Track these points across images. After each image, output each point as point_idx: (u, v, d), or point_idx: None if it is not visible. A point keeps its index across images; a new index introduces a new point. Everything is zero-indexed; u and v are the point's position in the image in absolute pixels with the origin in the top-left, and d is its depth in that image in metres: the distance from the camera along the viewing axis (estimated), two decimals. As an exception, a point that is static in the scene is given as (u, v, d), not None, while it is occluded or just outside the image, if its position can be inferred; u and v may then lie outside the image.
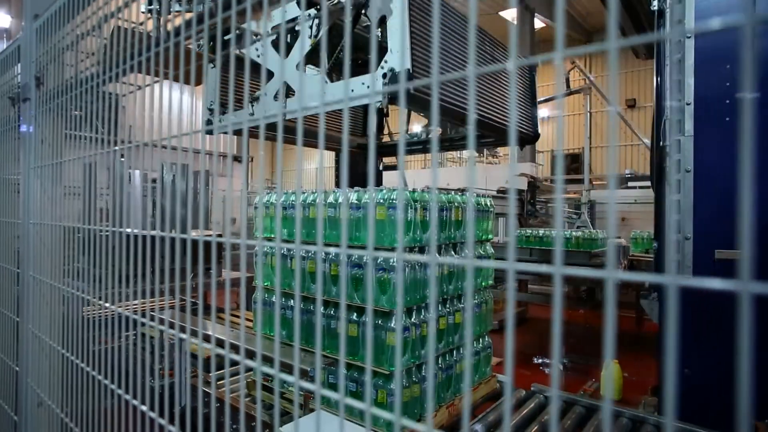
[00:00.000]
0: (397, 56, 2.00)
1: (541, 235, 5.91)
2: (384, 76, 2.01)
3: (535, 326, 6.71)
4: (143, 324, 1.23)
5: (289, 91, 2.54)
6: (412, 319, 2.24)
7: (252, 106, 2.58)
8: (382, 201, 2.19)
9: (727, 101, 2.54)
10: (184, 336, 1.14)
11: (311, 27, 2.37)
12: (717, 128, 2.57)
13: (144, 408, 1.06)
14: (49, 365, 1.45)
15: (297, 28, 2.45)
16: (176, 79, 1.09)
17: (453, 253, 2.55)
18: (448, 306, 2.52)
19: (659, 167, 2.78)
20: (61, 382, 1.40)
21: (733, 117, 2.53)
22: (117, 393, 1.19)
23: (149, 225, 1.53)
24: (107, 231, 1.28)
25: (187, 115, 1.16)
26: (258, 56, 2.47)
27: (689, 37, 2.65)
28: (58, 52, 1.42)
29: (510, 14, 13.00)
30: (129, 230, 1.26)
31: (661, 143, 2.73)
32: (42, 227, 1.50)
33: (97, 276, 1.38)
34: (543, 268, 0.53)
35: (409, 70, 2.01)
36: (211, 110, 2.72)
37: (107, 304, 1.20)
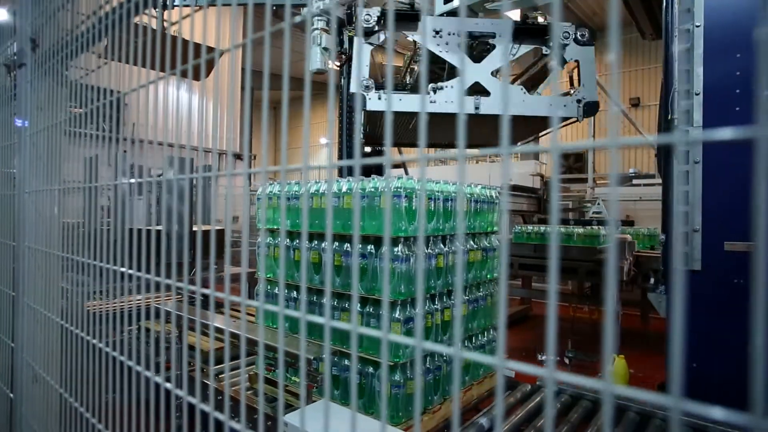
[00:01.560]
0: (589, 90, 2.93)
1: (542, 231, 5.89)
2: (578, 101, 3.00)
3: (539, 323, 6.67)
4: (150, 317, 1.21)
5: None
6: (417, 310, 2.21)
7: (433, 92, 3.03)
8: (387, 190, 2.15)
9: (738, 91, 2.50)
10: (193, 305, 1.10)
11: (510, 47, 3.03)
12: (727, 118, 2.53)
13: (165, 383, 1.03)
14: (45, 338, 1.42)
15: (491, 41, 3.06)
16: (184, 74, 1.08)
17: (458, 243, 2.51)
18: (452, 298, 2.49)
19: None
20: (60, 354, 1.38)
21: (743, 107, 2.49)
22: (122, 362, 1.16)
23: (152, 220, 1.52)
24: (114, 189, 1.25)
25: (186, 113, 1.13)
26: (440, 51, 3.05)
27: (698, 26, 2.61)
28: (53, 11, 1.39)
29: (515, 14, 12.96)
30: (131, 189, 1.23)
31: (669, 116, 2.69)
32: (37, 195, 1.47)
33: (99, 270, 1.36)
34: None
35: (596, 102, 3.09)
36: (367, 86, 2.97)
37: (149, 276, 1.16)
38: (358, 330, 0.66)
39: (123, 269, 1.14)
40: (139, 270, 1.16)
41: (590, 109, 3.20)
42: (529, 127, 4.18)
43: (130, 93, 1.10)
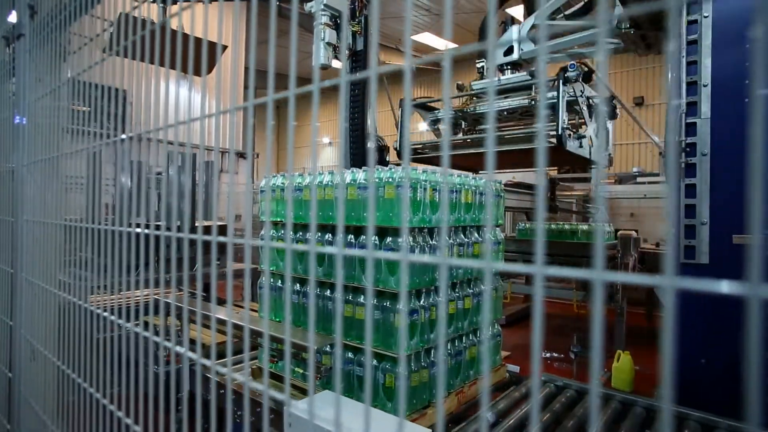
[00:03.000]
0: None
1: (546, 228, 5.87)
2: (609, 154, 4.51)
3: (542, 321, 6.63)
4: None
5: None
6: (421, 302, 2.18)
7: (579, 138, 3.95)
8: (391, 180, 2.13)
9: (747, 81, 2.47)
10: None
11: None
12: (735, 110, 2.50)
13: (164, 342, 1.02)
14: (43, 312, 1.41)
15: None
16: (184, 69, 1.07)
17: (463, 236, 2.49)
18: (457, 290, 2.47)
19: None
20: (57, 328, 1.36)
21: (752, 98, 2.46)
22: (120, 325, 1.14)
23: (154, 217, 1.51)
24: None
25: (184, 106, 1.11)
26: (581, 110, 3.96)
27: (706, 17, 2.58)
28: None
29: (517, 11, 12.92)
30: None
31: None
32: (35, 165, 1.46)
33: (101, 265, 1.35)
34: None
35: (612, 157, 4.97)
36: (564, 128, 3.63)
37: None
38: (374, 255, 0.63)
39: (129, 230, 1.12)
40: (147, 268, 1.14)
41: (610, 160, 5.16)
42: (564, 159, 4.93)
43: (106, 60, 1.08)
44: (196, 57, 1.03)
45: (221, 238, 0.89)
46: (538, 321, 0.49)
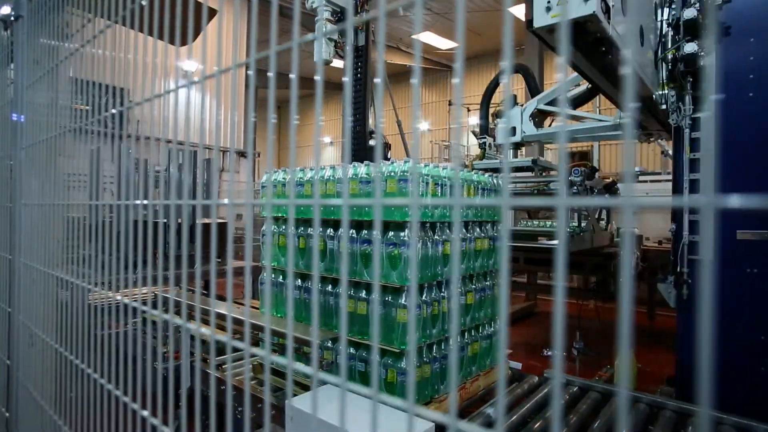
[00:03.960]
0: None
1: (548, 226, 5.87)
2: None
3: (544, 320, 6.61)
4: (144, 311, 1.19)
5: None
6: (424, 297, 2.17)
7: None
8: (393, 174, 2.12)
9: (751, 76, 2.45)
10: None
11: None
12: (740, 104, 2.48)
13: (163, 315, 1.00)
14: (42, 295, 1.40)
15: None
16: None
17: (465, 231, 2.47)
18: (459, 286, 2.45)
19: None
20: (56, 311, 1.35)
21: (756, 92, 2.44)
22: (118, 304, 1.13)
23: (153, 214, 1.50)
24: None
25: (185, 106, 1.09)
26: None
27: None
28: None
29: (520, 11, 12.89)
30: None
31: None
32: (33, 149, 1.44)
33: (102, 262, 1.34)
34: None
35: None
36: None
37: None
38: (382, 202, 0.60)
39: (128, 202, 1.10)
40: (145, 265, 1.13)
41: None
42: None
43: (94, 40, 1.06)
44: (193, 23, 0.99)
45: (222, 202, 0.87)
46: (561, 260, 0.47)
